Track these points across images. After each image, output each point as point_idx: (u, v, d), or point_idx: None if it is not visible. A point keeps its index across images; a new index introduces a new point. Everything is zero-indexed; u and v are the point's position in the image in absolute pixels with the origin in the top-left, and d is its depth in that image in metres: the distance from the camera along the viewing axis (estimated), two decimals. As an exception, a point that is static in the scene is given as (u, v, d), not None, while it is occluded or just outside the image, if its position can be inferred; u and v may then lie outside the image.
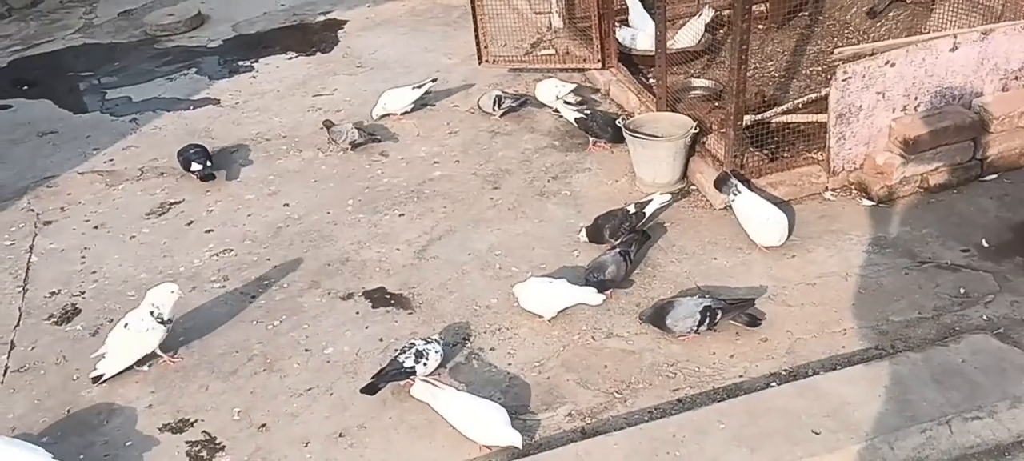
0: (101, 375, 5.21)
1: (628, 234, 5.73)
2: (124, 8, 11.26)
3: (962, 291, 5.22)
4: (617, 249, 5.57)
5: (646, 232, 5.82)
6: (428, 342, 4.98)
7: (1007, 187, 6.07)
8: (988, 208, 5.90)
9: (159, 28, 10.30)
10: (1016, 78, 6.20)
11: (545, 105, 7.66)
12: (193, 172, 7.13)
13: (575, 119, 7.03)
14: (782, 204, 5.97)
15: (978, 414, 4.32)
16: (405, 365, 4.87)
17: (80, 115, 8.61)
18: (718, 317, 5.02)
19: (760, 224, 5.69)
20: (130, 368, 5.25)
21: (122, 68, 9.59)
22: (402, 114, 7.79)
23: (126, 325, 5.25)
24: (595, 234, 5.87)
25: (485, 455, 4.51)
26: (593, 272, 5.46)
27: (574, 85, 7.76)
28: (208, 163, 7.17)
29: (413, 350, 4.92)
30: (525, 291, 5.34)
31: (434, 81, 7.92)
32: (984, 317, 5.02)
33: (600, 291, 5.32)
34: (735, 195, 5.80)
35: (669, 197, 6.07)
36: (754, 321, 5.11)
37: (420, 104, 7.87)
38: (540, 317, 5.31)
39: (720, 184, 5.94)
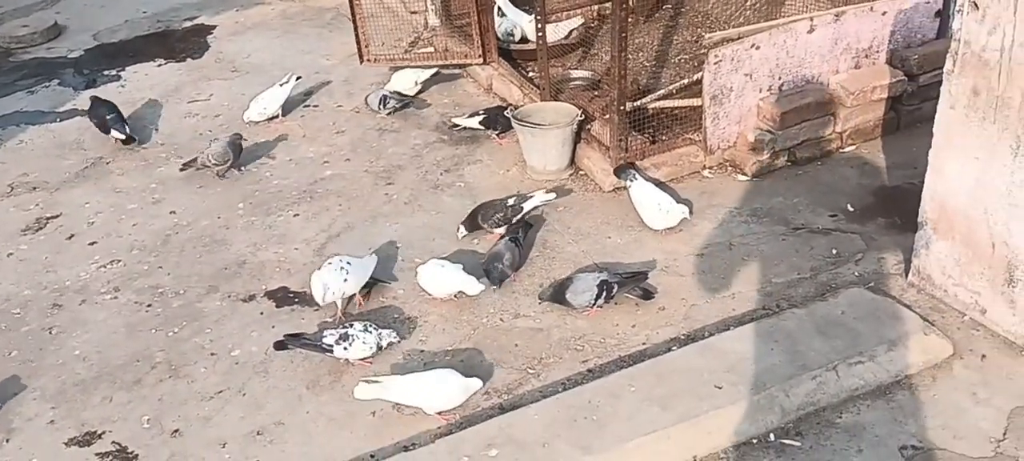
0: None
1: (514, 224, 5.92)
2: (-30, 21, 10.64)
3: (834, 252, 5.68)
4: (507, 238, 5.76)
5: (529, 222, 6.01)
6: (367, 330, 4.98)
7: (865, 157, 6.61)
8: (850, 176, 6.42)
9: (13, 40, 9.77)
10: (867, 56, 6.75)
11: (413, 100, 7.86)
12: (114, 137, 7.45)
13: (479, 122, 7.12)
14: (668, 188, 6.28)
15: (860, 359, 4.72)
16: (324, 342, 4.92)
17: (-67, 134, 8.12)
18: (615, 291, 5.28)
19: (652, 210, 5.97)
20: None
21: (-24, 83, 9.09)
22: (281, 117, 7.74)
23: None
24: (471, 223, 6.05)
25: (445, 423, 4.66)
26: (492, 261, 5.61)
27: (435, 70, 7.98)
28: (126, 128, 7.51)
29: (340, 331, 4.96)
30: (423, 273, 5.49)
31: (299, 79, 7.91)
32: (856, 273, 5.48)
33: (498, 282, 5.53)
34: (632, 182, 6.06)
35: (553, 195, 6.25)
36: (648, 294, 5.40)
37: (304, 105, 7.83)
38: (441, 299, 5.45)
39: (619, 172, 6.20)
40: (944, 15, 6.75)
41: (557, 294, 5.33)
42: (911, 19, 6.71)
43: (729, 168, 6.61)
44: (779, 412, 4.52)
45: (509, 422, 4.50)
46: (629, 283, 5.38)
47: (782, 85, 6.57)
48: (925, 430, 4.42)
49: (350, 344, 4.92)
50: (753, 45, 6.36)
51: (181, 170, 7.08)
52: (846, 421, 4.51)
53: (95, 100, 7.81)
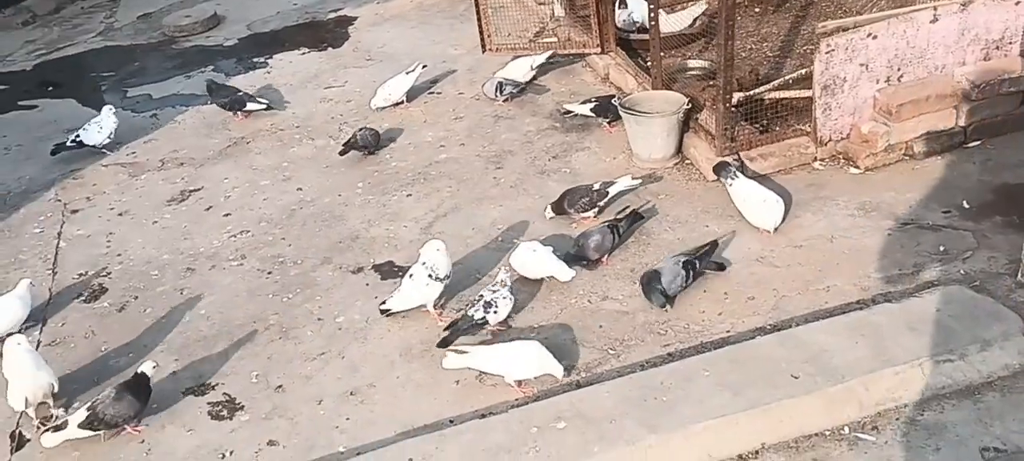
0: (388, 309, 5.51)
1: (623, 214, 5.98)
2: (143, 11, 11.65)
3: (942, 248, 5.46)
4: (606, 223, 5.86)
5: (638, 212, 6.05)
6: (494, 292, 5.21)
7: (989, 152, 6.30)
8: (970, 172, 6.14)
9: (177, 29, 10.68)
10: (998, 48, 6.42)
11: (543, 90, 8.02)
12: (252, 109, 8.34)
13: (591, 110, 7.27)
14: (771, 183, 6.17)
15: (949, 357, 4.56)
16: (476, 318, 5.16)
17: (103, 112, 8.97)
18: (698, 266, 5.36)
19: (757, 205, 5.82)
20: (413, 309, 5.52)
21: (142, 68, 9.97)
22: (405, 103, 8.12)
23: (410, 276, 5.47)
24: (558, 206, 6.17)
25: (524, 395, 4.82)
26: (578, 241, 5.77)
27: (549, 54, 8.16)
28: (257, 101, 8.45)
29: (482, 302, 5.19)
30: (516, 255, 5.68)
31: (425, 67, 8.27)
32: (962, 271, 5.26)
33: (581, 261, 5.66)
34: (732, 180, 5.95)
35: (639, 181, 6.30)
36: (720, 266, 5.47)
37: (428, 92, 8.18)
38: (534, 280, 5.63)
39: (719, 170, 6.10)
40: (1086, 4, 6.33)
41: (656, 291, 5.27)
42: (1049, 8, 6.34)
43: (841, 160, 6.45)
44: (856, 406, 4.43)
45: (580, 397, 4.63)
46: (705, 258, 5.44)
47: (901, 76, 6.35)
48: (1011, 433, 4.23)
49: (496, 307, 5.16)
50: (869, 34, 6.18)
51: (340, 155, 7.41)
52: (927, 419, 4.38)
53: (215, 86, 8.63)
